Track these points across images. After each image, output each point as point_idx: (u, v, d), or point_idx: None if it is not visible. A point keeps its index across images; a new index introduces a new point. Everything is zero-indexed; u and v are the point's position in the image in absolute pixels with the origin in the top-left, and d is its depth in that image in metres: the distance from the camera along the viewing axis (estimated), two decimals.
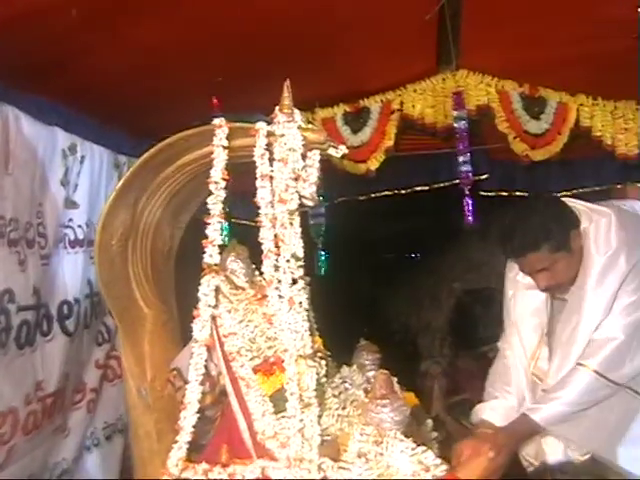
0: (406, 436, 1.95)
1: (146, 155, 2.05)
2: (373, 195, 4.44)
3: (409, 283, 6.89)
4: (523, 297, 2.77)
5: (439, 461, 1.86)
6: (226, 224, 3.66)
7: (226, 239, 3.42)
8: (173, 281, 2.45)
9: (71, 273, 2.98)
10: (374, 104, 3.71)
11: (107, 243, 2.08)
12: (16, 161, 2.67)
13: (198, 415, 1.99)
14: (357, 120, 3.73)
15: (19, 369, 2.71)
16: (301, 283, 2.01)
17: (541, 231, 2.48)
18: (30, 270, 2.77)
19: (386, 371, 2.28)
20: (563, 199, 2.71)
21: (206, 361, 2.02)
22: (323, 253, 4.11)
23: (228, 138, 2.02)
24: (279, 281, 1.98)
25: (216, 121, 2.03)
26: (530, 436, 2.51)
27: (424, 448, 1.88)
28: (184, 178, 2.20)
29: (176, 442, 1.97)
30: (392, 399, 1.94)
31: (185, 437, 1.97)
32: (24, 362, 2.75)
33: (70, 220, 3.00)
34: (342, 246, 4.89)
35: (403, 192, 4.32)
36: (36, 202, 2.83)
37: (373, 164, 3.72)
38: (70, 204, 3.01)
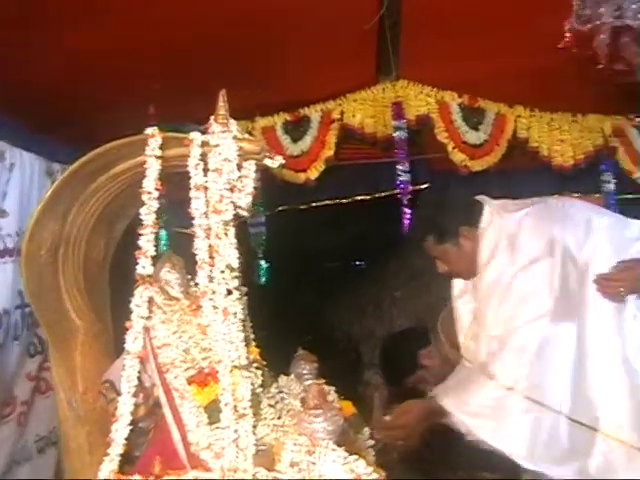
0: (340, 445, 1.96)
1: (76, 164, 2.02)
2: (314, 204, 4.45)
3: (351, 292, 6.90)
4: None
5: (370, 470, 1.87)
6: (164, 233, 3.65)
7: (165, 248, 3.42)
8: (108, 292, 2.42)
9: (1, 283, 2.91)
10: (314, 113, 3.75)
11: (35, 254, 2.03)
12: None
13: (130, 427, 1.96)
14: (297, 129, 3.76)
15: None
16: (236, 294, 2.00)
17: (428, 224, 2.84)
18: None
19: (320, 381, 2.29)
20: (479, 197, 2.84)
21: (140, 372, 2.00)
22: (264, 262, 4.10)
23: (161, 148, 2.00)
24: (213, 292, 1.97)
25: (149, 130, 2.01)
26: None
27: (356, 457, 1.89)
28: (118, 187, 2.17)
29: (108, 455, 1.94)
30: (325, 409, 1.94)
31: (117, 449, 1.94)
32: None
33: None
34: (283, 255, 4.88)
35: (344, 201, 4.35)
36: None
37: (313, 173, 3.75)
38: None
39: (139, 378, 2.01)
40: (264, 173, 3.19)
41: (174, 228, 3.66)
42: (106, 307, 2.36)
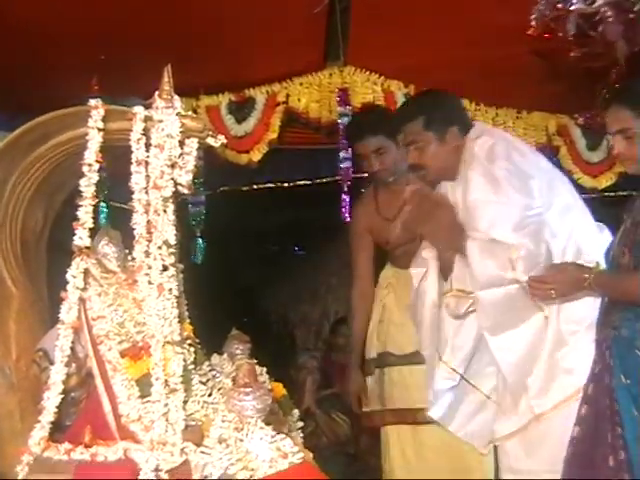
0: (268, 424, 2.00)
1: (16, 133, 2.01)
2: (255, 187, 4.46)
3: (289, 276, 6.94)
4: None
5: (297, 449, 1.92)
6: (104, 207, 3.62)
7: (104, 222, 3.40)
8: (44, 262, 2.41)
9: None
10: (259, 95, 3.74)
11: None
12: None
13: (62, 396, 1.98)
14: (242, 110, 3.75)
15: None
16: (172, 270, 2.01)
17: (424, 107, 2.84)
18: None
19: (251, 361, 2.32)
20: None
21: (73, 343, 2.01)
22: (201, 242, 4.09)
23: (104, 120, 2.00)
24: (149, 267, 1.99)
25: (92, 102, 2.00)
26: None
27: (283, 436, 1.93)
28: (58, 158, 2.16)
29: (39, 422, 1.95)
30: (255, 388, 1.98)
31: (48, 417, 1.96)
32: None
33: None
34: (222, 235, 4.89)
35: (285, 185, 4.36)
36: None
37: (256, 155, 3.75)
38: None
39: (73, 348, 2.02)
40: (207, 153, 3.21)
41: (113, 202, 3.66)
42: (42, 277, 2.35)
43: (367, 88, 3.70)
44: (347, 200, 3.77)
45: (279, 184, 4.42)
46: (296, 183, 4.34)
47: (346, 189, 3.77)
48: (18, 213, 2.19)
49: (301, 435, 2.50)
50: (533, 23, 2.46)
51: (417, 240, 3.18)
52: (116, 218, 2.60)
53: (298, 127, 3.89)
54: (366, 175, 4.24)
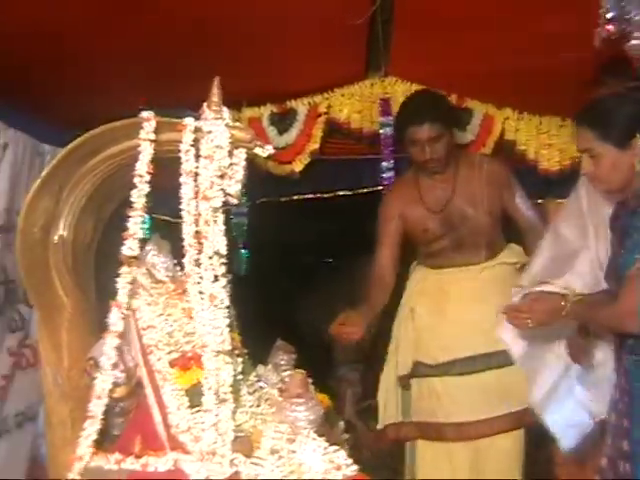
0: (321, 436, 1.99)
1: (72, 144, 2.04)
2: (295, 197, 4.45)
3: (328, 287, 6.92)
4: None
5: (350, 461, 1.89)
6: (148, 218, 3.66)
7: (147, 233, 3.43)
8: (93, 271, 2.43)
9: None
10: (301, 106, 3.75)
11: (29, 230, 2.06)
12: None
13: (108, 404, 2.00)
14: (283, 121, 3.75)
15: None
16: (223, 280, 2.02)
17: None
18: None
19: (303, 371, 2.32)
20: None
21: (123, 352, 2.03)
22: (244, 252, 4.10)
23: (155, 132, 2.02)
24: (201, 277, 2.00)
25: (144, 114, 2.03)
26: None
27: (336, 448, 1.92)
28: (109, 170, 2.19)
29: (84, 429, 1.97)
30: (307, 399, 1.97)
31: (94, 425, 1.98)
32: None
33: None
34: (261, 247, 4.89)
35: (325, 196, 4.35)
36: None
37: (297, 166, 3.76)
38: None
39: (123, 358, 2.04)
40: (247, 163, 3.21)
41: (157, 215, 3.69)
42: (91, 286, 2.37)
43: None
44: None
45: (319, 195, 4.41)
46: (336, 193, 4.32)
47: None
48: (70, 223, 2.21)
49: (346, 447, 2.50)
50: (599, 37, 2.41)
51: (457, 234, 3.24)
52: (161, 230, 2.62)
53: (340, 137, 3.89)
54: None
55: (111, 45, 2.86)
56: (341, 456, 1.88)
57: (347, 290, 6.88)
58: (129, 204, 2.08)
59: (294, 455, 1.87)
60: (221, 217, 2.05)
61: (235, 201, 2.15)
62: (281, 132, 3.76)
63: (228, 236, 2.09)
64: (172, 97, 2.75)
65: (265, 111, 3.77)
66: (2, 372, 3.18)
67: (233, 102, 3.62)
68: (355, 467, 1.87)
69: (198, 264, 2.01)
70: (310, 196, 4.28)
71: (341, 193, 4.26)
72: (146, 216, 3.64)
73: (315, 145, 3.74)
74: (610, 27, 2.21)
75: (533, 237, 3.30)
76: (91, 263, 2.42)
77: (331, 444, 2.02)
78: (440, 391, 3.28)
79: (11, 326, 3.19)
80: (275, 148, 3.67)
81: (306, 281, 7.08)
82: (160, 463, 1.88)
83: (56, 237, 2.17)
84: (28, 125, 3.17)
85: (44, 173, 2.04)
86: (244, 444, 1.96)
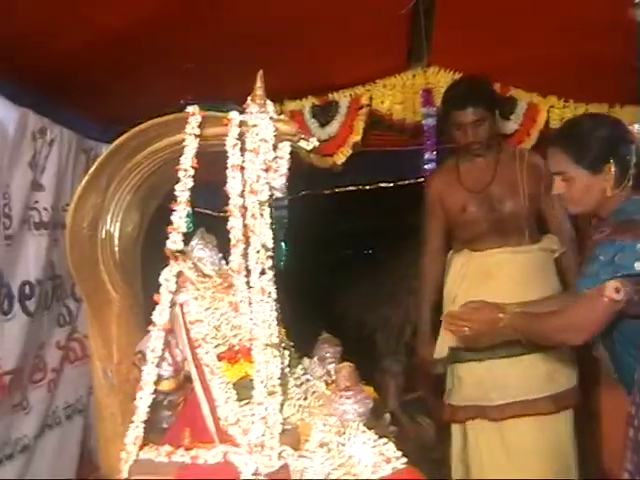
0: (370, 429, 1.98)
1: (119, 140, 2.05)
2: (337, 190, 4.44)
3: (369, 279, 6.90)
4: None
5: (399, 453, 1.88)
6: (190, 213, 3.68)
7: (190, 227, 3.45)
8: (140, 266, 2.45)
9: (35, 254, 2.97)
10: (343, 98, 3.73)
11: (78, 226, 2.08)
12: None
13: (156, 397, 2.01)
14: (325, 113, 3.75)
15: None
16: (270, 273, 2.03)
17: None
18: None
19: (351, 364, 2.32)
20: None
21: (170, 346, 2.04)
22: (285, 246, 4.10)
23: (200, 126, 2.03)
24: (248, 271, 2.00)
25: (189, 109, 2.03)
26: None
27: (385, 440, 1.91)
28: (155, 164, 2.20)
29: (132, 422, 1.99)
30: (356, 391, 1.96)
31: (141, 416, 1.99)
32: None
33: (36, 202, 2.98)
34: (304, 240, 4.89)
35: (367, 188, 4.33)
36: (3, 183, 2.82)
37: (339, 158, 3.74)
38: (37, 187, 2.99)
39: (171, 352, 2.05)
40: (290, 156, 3.21)
41: (200, 209, 3.71)
42: (138, 281, 2.39)
43: None
44: None
45: (361, 187, 4.39)
46: (378, 185, 4.30)
47: None
48: (117, 218, 2.23)
49: (393, 439, 2.49)
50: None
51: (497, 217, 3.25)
52: (203, 224, 2.63)
53: (382, 129, 3.87)
54: None
55: (158, 42, 2.88)
56: (390, 449, 1.87)
57: (389, 281, 6.90)
58: (174, 198, 2.08)
59: (343, 448, 1.86)
60: (267, 211, 2.06)
61: (280, 194, 2.16)
62: (323, 125, 3.76)
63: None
64: (217, 93, 2.77)
65: (307, 104, 3.77)
66: (52, 365, 3.24)
67: (275, 95, 3.67)
68: (404, 460, 1.86)
69: (246, 258, 2.01)
70: (352, 188, 4.28)
71: (383, 185, 4.25)
72: (189, 210, 3.71)
73: (357, 137, 3.72)
74: None
75: (560, 238, 3.35)
76: (138, 258, 2.44)
77: (379, 437, 2.03)
78: (484, 375, 3.29)
79: (59, 321, 3.25)
80: (317, 141, 3.72)
81: (348, 273, 7.08)
82: (210, 455, 1.88)
83: (103, 233, 2.19)
84: (73, 121, 3.21)
85: (91, 170, 2.06)
86: (291, 437, 1.96)
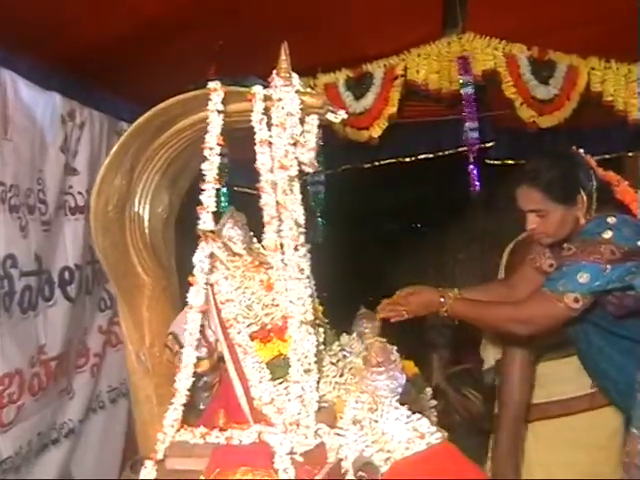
0: (403, 404, 1.94)
1: (139, 120, 2.02)
2: (377, 163, 4.39)
3: (413, 253, 6.83)
4: None
5: (434, 429, 1.84)
6: (225, 191, 3.66)
7: (225, 206, 3.43)
8: (173, 247, 2.43)
9: (72, 239, 3.00)
10: (377, 69, 3.67)
11: (103, 209, 2.06)
12: (15, 127, 2.66)
13: (193, 379, 1.99)
14: (360, 86, 3.68)
15: (23, 333, 2.76)
16: (303, 250, 1.99)
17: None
18: (31, 236, 2.79)
19: (383, 339, 2.28)
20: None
21: (204, 327, 2.02)
22: (323, 221, 4.07)
23: (223, 102, 1.98)
24: (281, 247, 1.96)
25: (211, 85, 1.99)
26: None
27: (419, 416, 1.86)
28: (181, 144, 2.17)
29: (171, 404, 1.97)
30: (388, 367, 1.92)
31: (180, 399, 1.97)
32: (28, 326, 2.79)
33: (70, 187, 3.00)
34: (345, 214, 4.86)
35: (407, 160, 4.27)
36: (36, 168, 2.83)
37: (375, 131, 3.68)
38: (70, 171, 3.00)
39: (203, 332, 2.03)
40: (326, 131, 3.17)
41: (233, 187, 3.70)
42: (171, 263, 2.38)
43: (488, 54, 3.55)
44: (476, 171, 3.67)
45: (400, 159, 4.33)
46: (418, 157, 4.23)
47: (472, 160, 3.66)
48: (146, 199, 2.21)
49: (434, 414, 2.45)
50: None
51: None
52: (235, 202, 2.60)
53: (418, 99, 3.79)
54: (491, 145, 4.15)
55: (190, 21, 2.85)
56: (424, 424, 1.83)
57: (433, 254, 6.83)
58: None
59: (376, 425, 1.83)
60: (297, 186, 2.01)
61: (310, 169, 2.11)
62: (357, 97, 3.70)
63: (305, 206, 2.05)
64: (250, 69, 2.74)
65: (341, 76, 3.71)
66: (94, 350, 3.28)
67: (308, 69, 3.63)
68: (439, 435, 1.82)
69: (279, 235, 1.97)
70: (392, 161, 4.23)
71: (423, 157, 4.20)
72: (223, 189, 3.71)
73: (393, 109, 3.65)
74: None
75: None
76: (171, 239, 2.42)
77: (417, 411, 1.98)
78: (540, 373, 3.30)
79: (100, 305, 3.29)
80: (352, 114, 3.66)
81: (391, 247, 7.02)
82: (244, 436, 1.86)
83: (132, 214, 2.17)
84: (104, 103, 3.20)
85: (113, 151, 2.03)
86: (328, 414, 1.94)
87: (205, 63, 3.13)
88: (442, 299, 2.69)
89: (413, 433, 1.81)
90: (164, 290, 2.17)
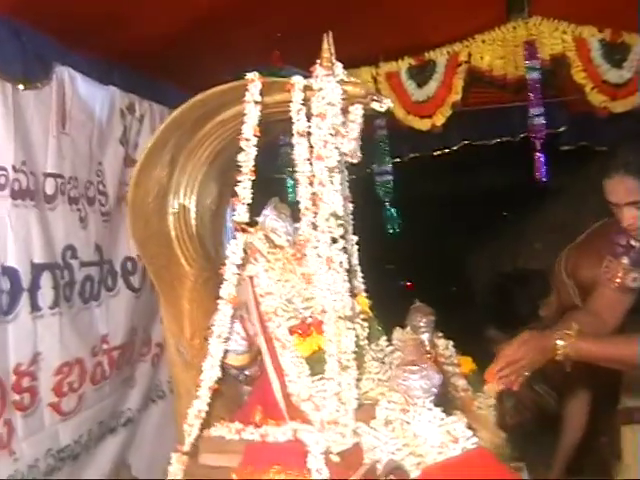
0: (438, 405, 1.86)
1: (175, 113, 2.00)
2: (447, 150, 4.31)
3: (487, 242, 6.69)
4: None
5: (470, 433, 1.74)
6: (291, 183, 3.65)
7: (291, 197, 3.43)
8: (222, 239, 2.42)
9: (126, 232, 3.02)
10: (440, 56, 3.61)
11: (142, 201, 2.04)
12: (73, 121, 2.72)
13: (218, 373, 1.96)
14: (422, 74, 3.65)
15: (85, 322, 2.82)
16: (341, 243, 1.93)
17: None
18: (91, 227, 2.85)
19: (416, 336, 2.21)
20: None
21: (242, 319, 2.00)
22: (392, 211, 4.02)
23: (262, 93, 1.95)
24: (318, 240, 1.92)
25: (249, 76, 1.96)
26: None
27: (454, 419, 1.76)
28: (227, 135, 2.14)
29: (197, 397, 1.96)
30: (422, 366, 1.83)
31: (205, 390, 1.95)
32: (89, 316, 2.86)
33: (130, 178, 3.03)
34: (417, 204, 4.79)
35: (475, 147, 4.18)
36: (95, 161, 2.88)
37: (439, 119, 3.64)
38: (130, 162, 3.04)
39: (244, 326, 2.01)
40: (390, 121, 3.11)
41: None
42: (220, 253, 2.36)
43: (556, 38, 3.45)
44: (542, 158, 3.55)
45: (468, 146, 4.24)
46: (485, 144, 4.14)
47: (539, 147, 3.54)
48: (192, 191, 2.20)
49: (493, 413, 2.36)
50: None
51: None
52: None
53: (482, 86, 3.70)
54: (562, 130, 4.02)
55: (248, 10, 2.84)
56: (459, 428, 1.73)
57: (508, 244, 6.67)
58: (257, 169, 2.01)
59: (408, 427, 1.75)
60: (337, 177, 1.95)
61: (352, 160, 2.06)
62: (420, 85, 3.66)
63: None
64: (309, 60, 2.71)
65: (403, 65, 3.68)
66: (156, 340, 3.33)
67: (370, 58, 3.58)
68: (475, 439, 1.72)
69: (315, 227, 1.93)
70: (456, 148, 4.15)
71: (488, 144, 4.10)
72: (289, 181, 3.70)
73: (456, 96, 3.60)
74: None
75: None
76: (219, 230, 2.41)
77: (470, 411, 1.91)
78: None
79: None
80: (415, 102, 3.61)
81: (465, 236, 6.91)
82: (279, 433, 1.82)
83: (176, 206, 2.15)
84: (163, 95, 3.23)
85: (150, 144, 2.01)
86: (368, 412, 1.87)
87: (262, 53, 3.13)
88: (559, 342, 2.38)
89: (447, 437, 1.71)
90: (206, 282, 2.14)
